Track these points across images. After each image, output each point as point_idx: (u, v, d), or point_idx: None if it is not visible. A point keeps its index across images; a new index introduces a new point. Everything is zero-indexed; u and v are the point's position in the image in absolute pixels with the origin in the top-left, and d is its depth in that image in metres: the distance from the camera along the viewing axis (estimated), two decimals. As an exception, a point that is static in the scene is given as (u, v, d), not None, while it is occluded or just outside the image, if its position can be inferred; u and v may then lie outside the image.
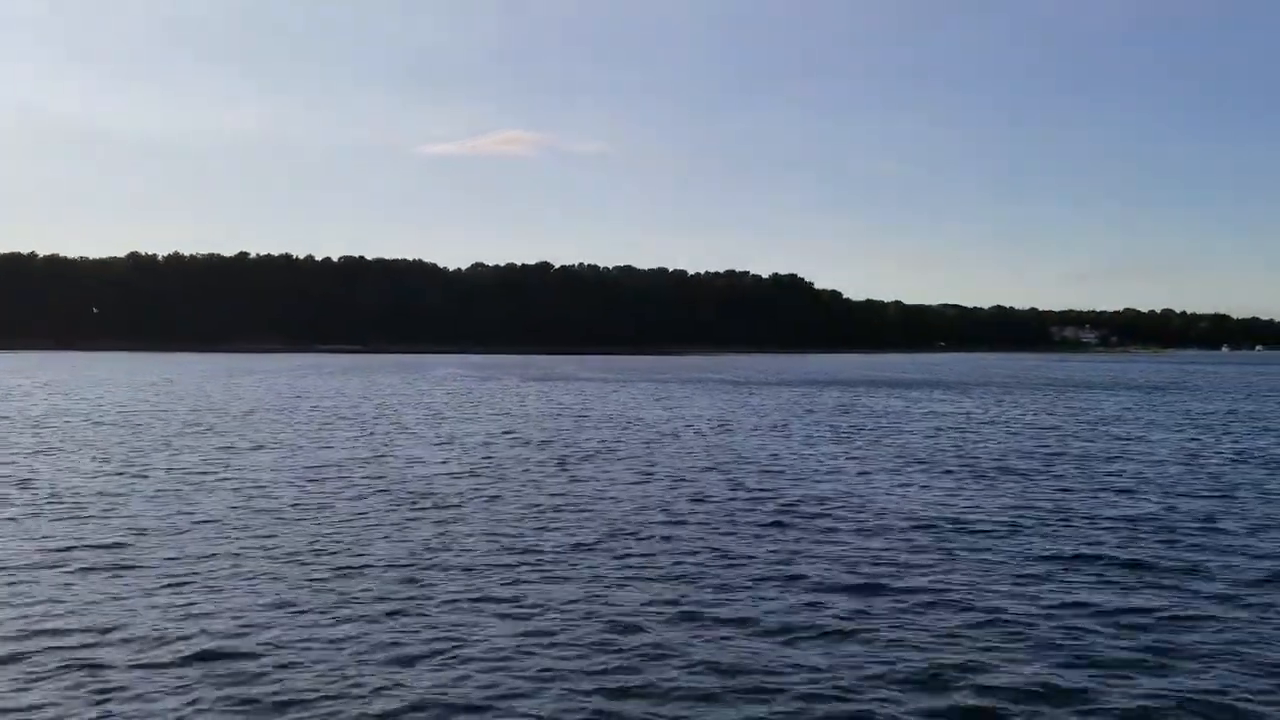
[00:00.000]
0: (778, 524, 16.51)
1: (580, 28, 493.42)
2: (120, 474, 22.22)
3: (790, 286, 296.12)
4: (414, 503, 18.47)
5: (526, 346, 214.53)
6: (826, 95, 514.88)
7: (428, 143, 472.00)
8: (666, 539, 15.21)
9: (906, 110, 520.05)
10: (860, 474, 23.17)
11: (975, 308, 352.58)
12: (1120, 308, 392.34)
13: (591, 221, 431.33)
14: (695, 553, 14.21)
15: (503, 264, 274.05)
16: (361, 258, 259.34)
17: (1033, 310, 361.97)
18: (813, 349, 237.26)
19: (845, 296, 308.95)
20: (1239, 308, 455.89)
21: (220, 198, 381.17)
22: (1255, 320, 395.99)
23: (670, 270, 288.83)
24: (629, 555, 14.06)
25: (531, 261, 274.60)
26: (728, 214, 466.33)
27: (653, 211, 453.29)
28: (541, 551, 14.18)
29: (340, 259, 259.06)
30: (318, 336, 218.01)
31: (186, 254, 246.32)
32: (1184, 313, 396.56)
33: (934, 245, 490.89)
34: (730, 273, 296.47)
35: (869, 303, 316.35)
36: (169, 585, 12.22)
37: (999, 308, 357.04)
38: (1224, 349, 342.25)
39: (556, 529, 15.95)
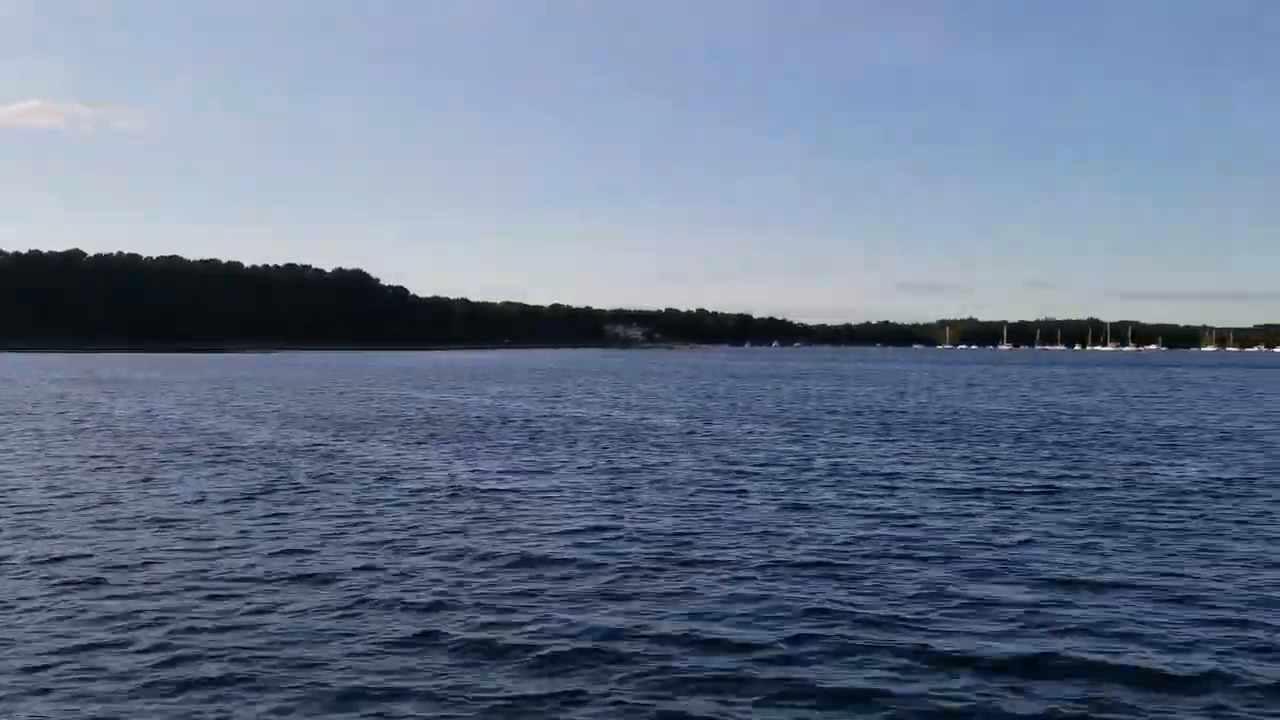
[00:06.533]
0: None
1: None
2: None
3: (355, 282, 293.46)
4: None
5: (54, 344, 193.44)
6: (400, 85, 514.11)
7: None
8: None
9: (490, 104, 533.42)
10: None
11: (537, 306, 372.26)
12: (663, 308, 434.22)
13: (134, 206, 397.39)
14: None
15: (25, 250, 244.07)
16: None
17: (588, 309, 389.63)
18: (381, 345, 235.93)
19: (412, 293, 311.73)
20: (759, 308, 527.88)
21: None
22: (772, 319, 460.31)
23: (224, 261, 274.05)
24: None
25: (59, 249, 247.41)
26: (289, 206, 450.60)
27: (205, 199, 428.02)
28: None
29: None
30: None
31: None
32: (715, 313, 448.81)
33: (502, 244, 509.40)
34: (291, 266, 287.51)
35: (435, 300, 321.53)
36: None
37: (558, 306, 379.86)
38: (747, 345, 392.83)
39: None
